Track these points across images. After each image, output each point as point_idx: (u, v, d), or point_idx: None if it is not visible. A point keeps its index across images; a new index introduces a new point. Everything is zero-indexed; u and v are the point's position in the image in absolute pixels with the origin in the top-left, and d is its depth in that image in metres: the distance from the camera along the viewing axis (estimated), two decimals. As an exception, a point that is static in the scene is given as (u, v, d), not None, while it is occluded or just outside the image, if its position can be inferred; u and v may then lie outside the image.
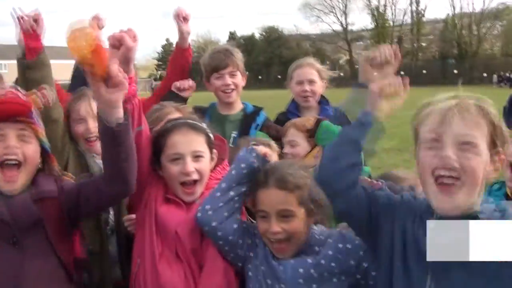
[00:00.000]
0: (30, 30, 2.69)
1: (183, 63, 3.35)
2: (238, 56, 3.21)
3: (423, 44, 66.46)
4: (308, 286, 1.94)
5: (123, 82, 1.72)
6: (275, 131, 3.10)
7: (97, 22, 3.18)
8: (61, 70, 6.90)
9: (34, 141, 1.99)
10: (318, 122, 2.83)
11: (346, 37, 67.62)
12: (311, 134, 2.80)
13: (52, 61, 2.78)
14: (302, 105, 3.46)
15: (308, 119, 2.93)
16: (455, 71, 57.14)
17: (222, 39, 73.50)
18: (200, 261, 2.09)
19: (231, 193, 2.03)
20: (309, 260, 1.97)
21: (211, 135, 2.24)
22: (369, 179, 2.07)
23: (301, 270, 1.95)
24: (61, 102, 2.79)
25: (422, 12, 65.89)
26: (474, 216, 1.49)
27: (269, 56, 66.59)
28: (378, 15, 66.12)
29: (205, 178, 2.17)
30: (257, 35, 71.94)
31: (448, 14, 64.05)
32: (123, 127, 1.78)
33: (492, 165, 1.51)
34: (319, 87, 3.45)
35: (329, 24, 70.35)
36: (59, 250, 2.00)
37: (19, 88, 2.02)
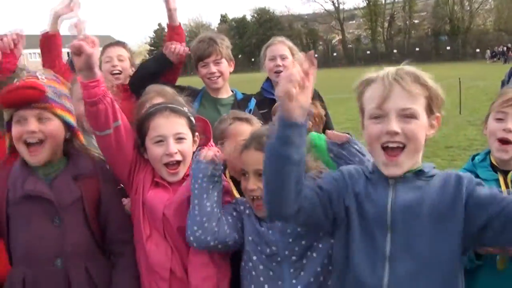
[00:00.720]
0: (8, 50, 2.89)
1: (178, 41, 3.36)
2: (223, 43, 3.31)
3: (415, 21, 66.25)
4: (297, 243, 2.02)
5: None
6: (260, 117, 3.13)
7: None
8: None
9: (54, 118, 2.08)
10: None
11: (338, 16, 67.26)
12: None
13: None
14: (275, 80, 3.52)
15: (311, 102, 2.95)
16: (448, 48, 57.06)
17: (214, 22, 73.04)
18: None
19: (207, 203, 2.08)
20: None
21: (192, 119, 2.31)
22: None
23: (288, 230, 2.03)
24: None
25: (414, -12, 65.50)
26: (418, 171, 1.72)
27: (261, 38, 65.99)
28: (370, -7, 65.68)
29: (188, 159, 2.25)
30: (248, 17, 71.39)
31: (440, -10, 63.70)
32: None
33: (431, 128, 1.70)
34: (291, 63, 3.46)
35: (321, 3, 69.97)
36: (93, 225, 2.16)
37: (41, 73, 2.13)
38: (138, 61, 4.08)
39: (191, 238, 2.07)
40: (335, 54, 63.95)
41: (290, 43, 3.67)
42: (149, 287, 2.19)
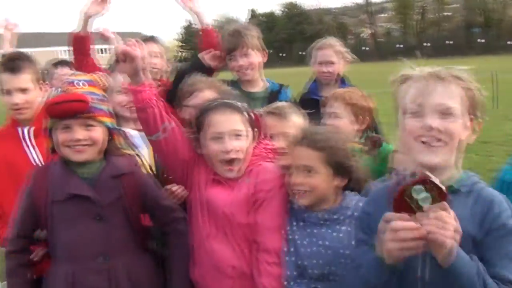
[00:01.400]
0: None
1: (211, 42, 3.31)
2: (250, 33, 3.20)
3: (447, 14, 64.90)
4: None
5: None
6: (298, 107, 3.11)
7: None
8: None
9: (97, 124, 2.12)
10: (374, 141, 2.75)
11: (368, 9, 66.44)
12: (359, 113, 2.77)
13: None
14: (323, 82, 3.59)
15: (361, 95, 2.89)
16: (481, 40, 55.73)
17: (242, 17, 73.09)
18: (249, 237, 2.16)
19: None
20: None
21: (251, 114, 2.29)
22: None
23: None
24: None
25: (446, -20, 64.10)
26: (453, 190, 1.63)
27: (291, 33, 65.99)
28: (400, -15, 64.57)
29: (245, 155, 2.22)
30: (277, 12, 71.24)
31: (473, -19, 62.13)
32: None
33: (470, 132, 1.69)
34: (339, 67, 3.57)
35: (351, -3, 69.08)
36: (134, 222, 2.21)
37: (77, 80, 2.15)
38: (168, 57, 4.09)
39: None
40: (366, 48, 63.21)
41: (338, 47, 3.59)
42: (211, 285, 2.18)
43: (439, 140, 1.62)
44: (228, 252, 2.15)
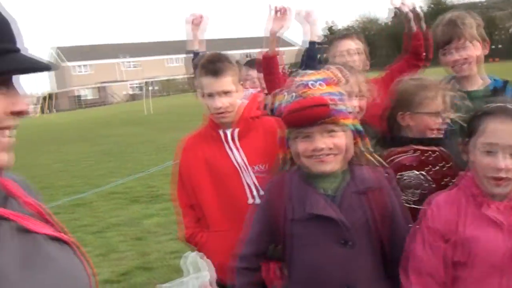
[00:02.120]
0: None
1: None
2: (467, 23, 2.70)
3: None
4: None
5: None
6: None
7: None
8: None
9: (342, 129, 1.86)
10: None
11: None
12: None
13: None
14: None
15: None
16: None
17: (382, 16, 67.45)
18: None
19: None
20: None
21: None
22: None
23: None
24: None
25: None
26: None
27: (441, 28, 72.49)
28: None
29: None
30: (425, 8, 66.00)
31: None
32: None
33: None
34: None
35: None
36: (380, 246, 1.88)
37: (312, 81, 1.86)
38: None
39: None
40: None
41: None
42: None
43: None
44: None
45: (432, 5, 70.47)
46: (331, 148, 1.82)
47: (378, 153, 2.05)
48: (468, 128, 1.90)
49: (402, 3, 2.94)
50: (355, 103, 2.25)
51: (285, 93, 1.89)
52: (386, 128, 2.39)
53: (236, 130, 2.46)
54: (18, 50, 0.96)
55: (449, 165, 2.16)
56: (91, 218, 7.42)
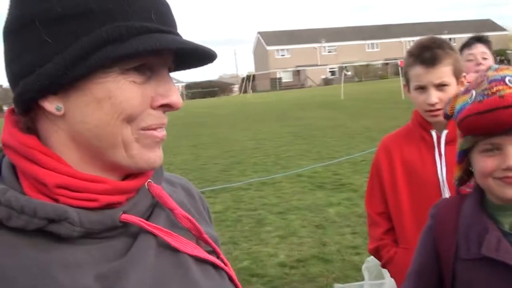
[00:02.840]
0: None
1: None
2: None
3: None
4: None
5: None
6: None
7: None
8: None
9: None
10: None
11: None
12: None
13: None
14: None
15: None
16: None
17: None
18: None
19: None
20: None
21: None
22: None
23: None
24: None
25: None
26: None
27: None
28: None
29: None
30: None
31: None
32: None
33: None
34: None
35: None
36: None
37: (509, 75, 1.37)
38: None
39: None
40: None
41: None
42: None
43: None
44: None
45: None
46: None
47: None
48: None
49: None
50: None
51: (473, 92, 1.41)
52: None
53: (445, 133, 2.03)
54: (168, 32, 0.77)
55: None
56: (276, 198, 7.55)
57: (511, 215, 1.39)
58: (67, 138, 0.78)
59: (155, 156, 0.81)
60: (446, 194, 1.98)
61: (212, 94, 66.16)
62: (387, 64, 68.08)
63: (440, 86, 1.97)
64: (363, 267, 3.10)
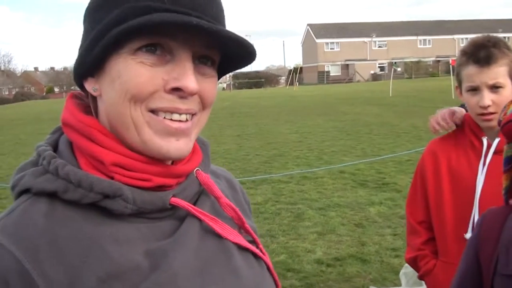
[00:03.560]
0: None
1: None
2: None
3: None
4: None
5: None
6: None
7: None
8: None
9: None
10: None
11: None
12: None
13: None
14: None
15: None
16: None
17: None
18: None
19: None
20: None
21: None
22: None
23: None
24: None
25: None
26: None
27: None
28: None
29: None
30: None
31: None
32: None
33: None
34: None
35: None
36: None
37: None
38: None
39: None
40: None
41: None
42: None
43: None
44: None
45: None
46: None
47: None
48: None
49: None
50: None
51: None
52: None
53: (497, 141, 1.88)
54: (184, 13, 0.75)
55: None
56: (317, 193, 7.47)
57: None
58: (105, 118, 0.82)
59: (168, 145, 0.78)
60: (477, 207, 1.85)
61: (259, 85, 66.20)
62: (438, 61, 66.30)
63: (494, 88, 1.83)
64: (401, 272, 3.02)
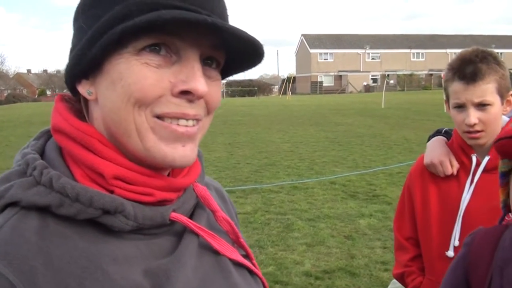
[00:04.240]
0: None
1: None
2: None
3: None
4: None
5: None
6: None
7: None
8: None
9: None
10: None
11: None
12: None
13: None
14: None
15: None
16: None
17: None
18: None
19: None
20: None
21: None
22: None
23: None
24: None
25: None
26: None
27: None
28: None
29: None
30: None
31: None
32: None
33: None
34: None
35: None
36: None
37: None
38: None
39: None
40: None
41: None
42: None
43: None
44: None
45: None
46: None
47: None
48: None
49: None
50: None
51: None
52: None
53: (486, 159, 1.80)
54: (193, 11, 0.69)
55: None
56: (307, 204, 7.42)
57: None
58: (102, 125, 0.75)
59: (173, 152, 0.72)
60: (458, 226, 1.80)
61: (252, 93, 66.24)
62: (431, 75, 66.75)
63: (481, 106, 1.73)
64: (389, 287, 2.99)
